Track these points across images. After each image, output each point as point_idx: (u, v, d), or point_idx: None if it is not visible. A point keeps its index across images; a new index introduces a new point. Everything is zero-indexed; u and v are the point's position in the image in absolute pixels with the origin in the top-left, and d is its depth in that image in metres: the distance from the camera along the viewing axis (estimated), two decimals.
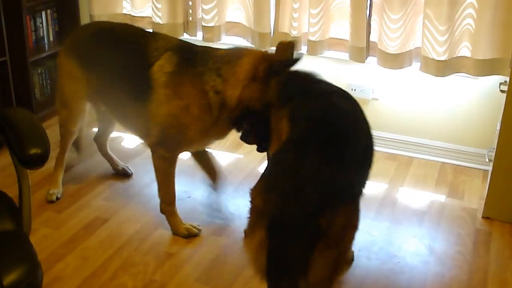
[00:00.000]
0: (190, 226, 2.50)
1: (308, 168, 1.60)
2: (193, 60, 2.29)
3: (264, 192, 1.65)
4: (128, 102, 2.44)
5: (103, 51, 2.51)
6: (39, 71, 3.44)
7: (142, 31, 2.56)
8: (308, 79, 2.05)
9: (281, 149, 1.75)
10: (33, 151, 1.57)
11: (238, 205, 2.73)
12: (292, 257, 1.57)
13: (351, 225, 1.68)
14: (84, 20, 3.60)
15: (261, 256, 1.61)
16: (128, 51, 2.45)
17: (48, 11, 3.48)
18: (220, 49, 2.35)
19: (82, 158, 3.06)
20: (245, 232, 1.79)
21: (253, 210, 1.69)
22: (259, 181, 1.73)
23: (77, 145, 2.92)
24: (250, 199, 1.73)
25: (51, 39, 3.53)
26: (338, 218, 1.60)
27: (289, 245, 1.55)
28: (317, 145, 1.67)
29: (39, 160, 1.58)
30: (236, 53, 2.27)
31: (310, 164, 1.60)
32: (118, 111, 2.59)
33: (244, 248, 1.75)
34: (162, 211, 2.52)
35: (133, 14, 3.48)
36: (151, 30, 3.40)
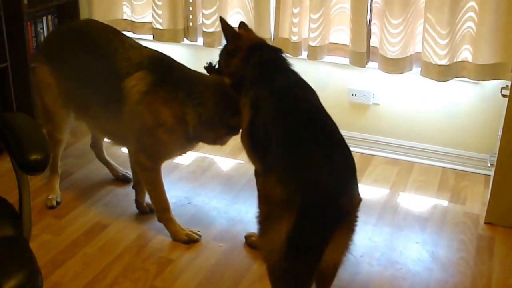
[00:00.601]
0: (190, 232, 2.48)
1: (320, 155, 1.73)
2: (169, 81, 2.28)
3: (283, 183, 1.69)
4: (100, 110, 2.42)
5: (70, 56, 2.49)
6: None
7: (109, 36, 2.46)
8: (271, 66, 2.10)
9: (283, 143, 1.81)
10: (34, 156, 1.57)
11: (239, 211, 2.72)
12: (319, 240, 1.64)
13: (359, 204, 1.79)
14: None
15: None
16: (97, 58, 2.41)
17: (49, 17, 3.47)
18: (192, 71, 2.35)
19: (81, 165, 3.06)
20: (263, 225, 1.80)
21: (272, 202, 1.71)
22: (271, 174, 1.76)
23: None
24: (265, 193, 1.79)
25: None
26: (356, 197, 1.75)
27: (317, 229, 1.63)
28: (316, 135, 1.80)
29: (40, 166, 1.57)
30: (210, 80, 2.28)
31: (320, 152, 1.74)
32: (91, 119, 2.57)
33: (264, 243, 1.78)
34: (158, 220, 2.50)
35: (133, 19, 3.48)
36: (151, 37, 3.42)
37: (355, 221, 1.77)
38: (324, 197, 1.65)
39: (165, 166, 2.48)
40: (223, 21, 2.24)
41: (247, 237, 2.47)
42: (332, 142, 1.81)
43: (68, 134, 2.81)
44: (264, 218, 1.80)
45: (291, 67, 2.14)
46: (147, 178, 2.43)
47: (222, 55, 2.30)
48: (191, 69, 2.37)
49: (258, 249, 2.18)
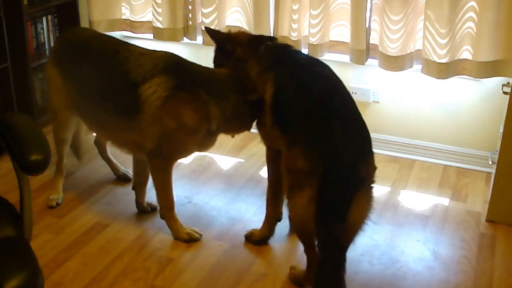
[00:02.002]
0: (191, 231, 2.49)
1: (339, 128, 1.93)
2: (188, 83, 2.27)
3: (305, 155, 1.90)
4: (111, 118, 2.41)
5: (79, 64, 2.49)
6: (40, 76, 3.43)
7: (117, 44, 2.46)
8: (286, 49, 2.27)
9: (305, 117, 2.00)
10: (34, 157, 1.57)
11: (239, 210, 2.71)
12: (342, 203, 1.88)
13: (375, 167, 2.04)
14: (84, 25, 3.59)
15: (310, 210, 1.90)
16: (106, 66, 2.40)
17: (49, 17, 3.48)
18: (205, 67, 2.36)
19: (82, 163, 3.06)
20: (289, 194, 2.00)
21: (295, 172, 1.93)
22: (294, 147, 1.96)
23: (77, 152, 2.91)
24: (288, 166, 1.98)
25: (52, 44, 3.52)
26: (371, 165, 1.99)
27: (340, 193, 1.87)
28: (336, 109, 2.00)
29: (40, 166, 1.58)
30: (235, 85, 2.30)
31: (339, 125, 1.94)
32: (97, 125, 2.57)
33: (292, 206, 2.00)
34: (161, 216, 2.51)
35: (132, 19, 3.48)
36: (151, 36, 3.41)
37: (372, 187, 1.99)
38: (343, 167, 1.87)
39: None
40: (209, 30, 2.37)
41: (248, 236, 2.48)
42: (350, 115, 2.00)
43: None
44: (290, 188, 2.00)
45: (299, 50, 2.30)
46: (159, 177, 2.43)
47: (217, 60, 2.37)
48: (203, 66, 2.37)
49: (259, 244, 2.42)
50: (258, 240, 2.44)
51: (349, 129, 1.96)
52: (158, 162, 2.39)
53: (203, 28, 2.65)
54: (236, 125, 2.37)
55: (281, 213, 2.42)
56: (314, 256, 2.05)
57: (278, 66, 2.17)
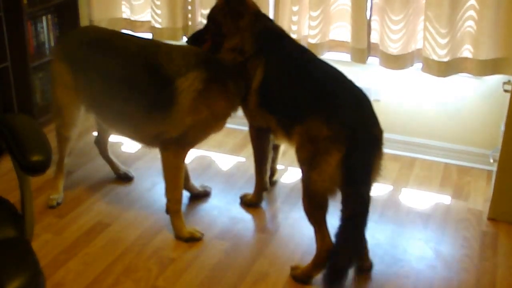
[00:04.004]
0: (193, 230, 2.48)
1: (349, 98, 2.16)
2: (219, 75, 2.40)
3: (328, 124, 2.09)
4: (137, 112, 2.42)
5: (100, 60, 2.49)
6: (40, 76, 3.43)
7: (142, 41, 2.55)
8: (278, 35, 2.43)
9: (315, 93, 2.20)
10: (35, 158, 1.56)
11: (241, 209, 2.71)
12: (367, 162, 2.08)
13: None
14: (84, 24, 3.58)
15: (338, 173, 2.06)
16: (132, 62, 2.43)
17: (49, 16, 3.47)
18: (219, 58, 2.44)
19: (82, 163, 3.05)
20: (313, 161, 2.12)
21: (320, 140, 2.09)
22: (313, 119, 2.13)
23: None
24: (309, 135, 2.14)
25: (52, 44, 3.52)
26: (380, 127, 2.16)
27: (365, 153, 2.07)
28: (343, 82, 2.24)
29: (41, 167, 1.57)
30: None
31: (349, 95, 2.17)
32: (114, 119, 2.58)
33: (318, 174, 2.11)
34: (168, 210, 2.51)
35: (132, 18, 3.47)
36: (150, 36, 3.41)
37: (383, 148, 2.18)
38: (363, 130, 2.08)
39: None
40: None
41: (242, 197, 2.73)
42: (353, 87, 2.22)
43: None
44: (313, 156, 2.11)
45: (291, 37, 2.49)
46: (172, 163, 2.45)
47: (219, 15, 2.40)
48: (218, 57, 2.45)
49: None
50: (248, 203, 2.72)
51: (358, 98, 2.18)
52: (174, 150, 2.41)
53: None
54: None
55: (266, 183, 2.70)
56: (325, 240, 2.16)
57: (269, 53, 2.34)
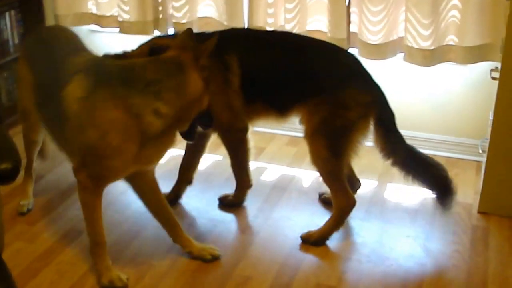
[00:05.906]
0: (116, 278, 2.15)
1: (358, 67, 2.44)
2: (109, 81, 1.99)
3: (363, 95, 2.36)
4: (53, 121, 2.26)
5: (41, 61, 2.36)
6: (5, 75, 3.32)
7: (72, 41, 2.36)
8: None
9: (331, 69, 2.39)
10: (3, 166, 1.49)
11: (220, 210, 2.65)
12: (392, 116, 2.41)
13: None
14: (49, 20, 3.50)
15: (376, 129, 2.37)
16: (56, 65, 2.22)
17: (12, 12, 3.36)
18: (137, 61, 2.02)
19: (52, 167, 2.96)
20: (351, 121, 2.35)
21: (359, 106, 2.34)
22: (346, 90, 2.33)
23: (42, 153, 2.79)
24: (344, 103, 2.33)
25: (16, 41, 3.41)
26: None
27: (390, 111, 2.41)
28: (347, 55, 2.49)
29: (10, 175, 1.49)
30: (166, 66, 1.97)
31: (361, 65, 2.45)
32: (47, 126, 2.38)
33: (362, 127, 2.35)
34: (90, 253, 2.21)
35: (99, 13, 3.37)
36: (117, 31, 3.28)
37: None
38: (380, 90, 2.40)
39: None
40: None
41: (223, 198, 2.67)
42: (347, 55, 2.49)
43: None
44: (352, 124, 2.33)
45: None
46: (85, 199, 2.12)
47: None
48: (135, 62, 2.11)
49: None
50: (230, 204, 2.66)
51: (358, 62, 2.44)
52: (84, 182, 2.07)
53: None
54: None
55: (251, 180, 2.65)
56: (348, 194, 2.37)
57: (237, 47, 2.36)
